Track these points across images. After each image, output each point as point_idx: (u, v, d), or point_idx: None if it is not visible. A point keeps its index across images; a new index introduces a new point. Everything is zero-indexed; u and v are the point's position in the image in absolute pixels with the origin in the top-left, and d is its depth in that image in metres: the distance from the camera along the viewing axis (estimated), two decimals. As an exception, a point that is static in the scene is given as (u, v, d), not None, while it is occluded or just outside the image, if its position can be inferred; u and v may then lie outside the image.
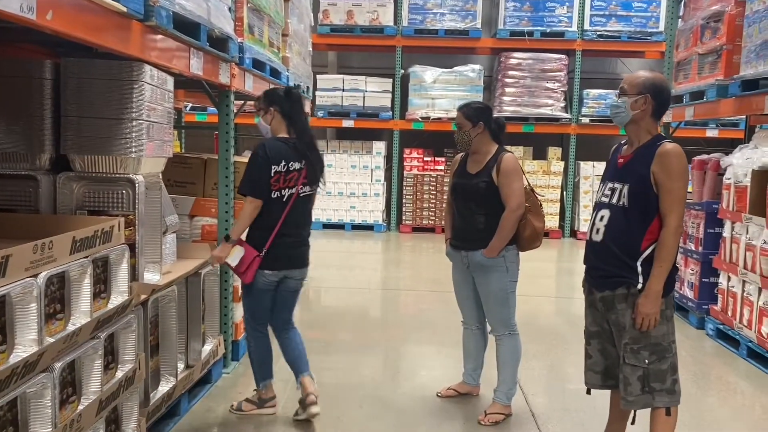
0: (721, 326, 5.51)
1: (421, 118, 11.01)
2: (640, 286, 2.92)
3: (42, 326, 2.17)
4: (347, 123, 11.08)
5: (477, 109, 3.88)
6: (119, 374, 2.74)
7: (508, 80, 10.92)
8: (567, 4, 10.85)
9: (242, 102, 5.26)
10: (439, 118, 10.92)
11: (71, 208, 3.00)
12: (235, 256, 3.57)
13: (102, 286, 2.62)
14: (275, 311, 3.77)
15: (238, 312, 4.48)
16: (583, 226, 10.82)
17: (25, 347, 2.13)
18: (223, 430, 3.69)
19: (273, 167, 3.58)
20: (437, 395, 4.16)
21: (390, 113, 11.11)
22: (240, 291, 3.86)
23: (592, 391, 3.24)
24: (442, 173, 11.17)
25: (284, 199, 3.63)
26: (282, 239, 3.63)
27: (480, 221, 3.78)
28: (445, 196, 10.53)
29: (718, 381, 4.82)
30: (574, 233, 11.18)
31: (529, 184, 3.86)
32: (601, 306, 3.05)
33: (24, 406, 2.14)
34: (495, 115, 3.96)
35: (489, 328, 3.99)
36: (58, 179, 3.00)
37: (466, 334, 4.10)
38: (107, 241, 2.62)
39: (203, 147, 9.00)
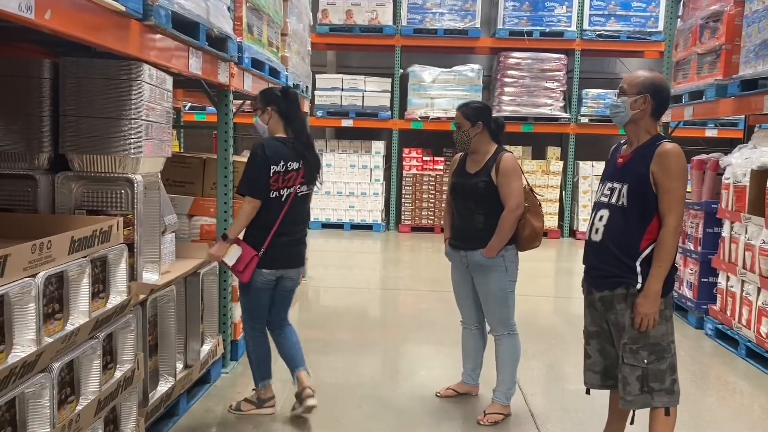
0: (720, 326, 5.51)
1: (420, 117, 11.01)
2: (639, 286, 2.92)
3: (40, 326, 2.17)
4: (346, 123, 11.08)
5: (476, 109, 3.88)
6: (118, 374, 2.74)
7: (507, 80, 10.92)
8: (566, 3, 10.85)
9: (241, 101, 5.25)
10: (438, 118, 10.92)
11: (70, 208, 3.00)
12: (232, 255, 3.57)
13: (100, 285, 2.61)
14: (272, 310, 3.78)
15: (237, 312, 4.48)
16: (582, 226, 10.83)
17: (23, 347, 2.12)
18: (222, 430, 3.68)
19: (272, 167, 3.58)
20: (436, 395, 4.16)
21: (389, 113, 11.11)
22: (238, 291, 3.86)
23: (592, 391, 3.24)
24: (441, 173, 11.17)
25: (283, 199, 3.64)
26: (280, 238, 3.63)
27: (479, 221, 3.78)
28: (444, 196, 10.53)
29: (717, 381, 4.82)
30: (573, 233, 11.18)
31: (528, 184, 3.85)
32: (600, 306, 3.05)
33: (22, 407, 2.13)
34: (494, 115, 3.95)
35: (488, 328, 3.99)
36: (56, 179, 3.00)
37: (465, 334, 4.10)
38: (106, 240, 2.61)
39: (202, 146, 9.00)
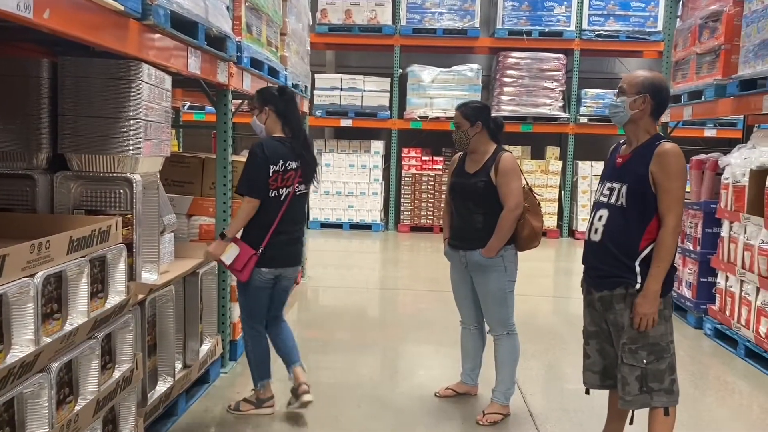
0: (719, 326, 5.52)
1: (420, 117, 11.01)
2: (638, 286, 2.92)
3: (39, 326, 2.16)
4: (345, 122, 11.08)
5: (475, 109, 3.88)
6: (116, 374, 2.74)
7: (506, 80, 10.92)
8: (565, 3, 10.85)
9: (240, 101, 5.25)
10: (437, 118, 10.92)
11: (68, 208, 2.99)
12: (230, 254, 3.58)
13: (99, 285, 2.61)
14: (269, 307, 3.79)
15: (236, 312, 4.48)
16: (581, 226, 10.83)
17: (21, 347, 2.12)
18: (221, 430, 3.68)
19: (271, 167, 3.59)
20: (435, 395, 4.16)
21: (388, 113, 11.10)
22: (237, 291, 3.86)
23: (591, 391, 3.24)
24: (441, 173, 11.17)
25: (281, 198, 3.65)
26: (279, 237, 3.65)
27: (478, 221, 3.78)
28: (443, 196, 10.54)
29: (716, 381, 4.82)
30: (572, 233, 11.18)
31: (527, 184, 3.85)
32: (600, 306, 3.05)
33: (21, 407, 2.13)
34: (493, 115, 3.96)
35: (487, 327, 3.99)
36: (55, 178, 2.99)
37: (464, 334, 4.10)
38: (104, 240, 2.61)
39: (201, 146, 9.00)
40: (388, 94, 11.14)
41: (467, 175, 3.83)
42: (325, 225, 11.17)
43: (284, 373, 3.88)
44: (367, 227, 11.17)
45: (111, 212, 2.98)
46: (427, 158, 11.32)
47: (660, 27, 10.63)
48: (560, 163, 11.16)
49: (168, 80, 3.34)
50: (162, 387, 3.43)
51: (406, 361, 5.08)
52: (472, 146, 3.84)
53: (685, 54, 6.48)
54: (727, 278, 5.48)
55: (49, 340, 2.22)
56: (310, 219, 10.92)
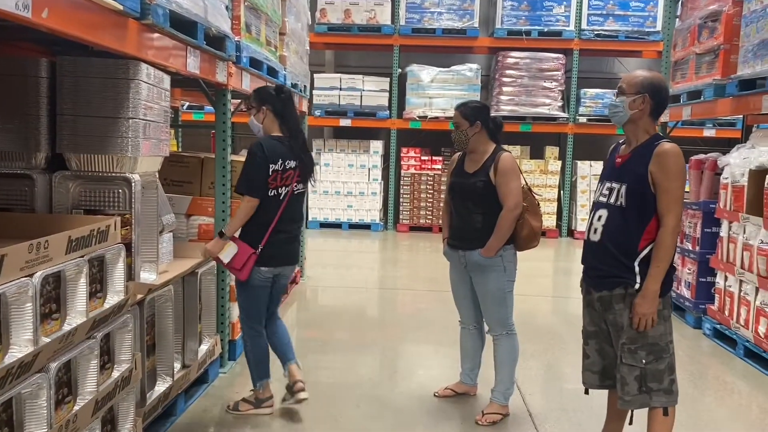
0: (718, 326, 5.52)
1: (419, 117, 11.01)
2: (637, 286, 2.92)
3: (37, 326, 2.16)
4: (344, 122, 11.07)
5: (474, 109, 3.88)
6: (115, 374, 2.73)
7: (505, 79, 10.92)
8: (564, 3, 10.84)
9: (239, 101, 5.25)
10: (437, 117, 10.92)
11: (67, 208, 2.99)
12: (228, 252, 3.58)
13: (98, 285, 2.61)
14: (267, 307, 3.80)
15: (235, 311, 4.47)
16: (581, 226, 10.83)
17: (20, 347, 2.11)
18: (220, 430, 3.68)
19: (271, 166, 3.60)
20: (434, 395, 4.16)
21: (387, 112, 11.10)
22: (236, 290, 3.86)
23: (590, 390, 3.23)
24: (440, 172, 11.17)
25: (280, 197, 3.66)
26: (277, 236, 3.66)
27: (477, 221, 3.78)
28: (442, 195, 10.55)
29: (716, 381, 4.83)
30: (571, 232, 11.19)
31: (526, 184, 3.85)
32: (599, 306, 3.05)
33: (19, 407, 2.12)
34: (492, 115, 3.95)
35: (486, 327, 3.98)
36: (53, 178, 2.99)
37: (463, 334, 4.10)
38: (103, 240, 2.61)
39: (200, 146, 9.00)
40: (387, 94, 11.14)
41: (466, 175, 3.83)
42: (325, 225, 11.16)
43: (282, 373, 3.88)
44: (366, 227, 11.16)
45: (110, 212, 2.98)
46: (426, 158, 11.32)
47: (659, 27, 10.63)
48: (559, 162, 11.16)
49: (167, 80, 3.33)
50: (161, 387, 3.43)
51: (405, 361, 5.08)
52: (472, 146, 3.84)
53: (685, 54, 6.48)
54: (726, 278, 5.48)
55: (47, 340, 2.21)
56: (310, 219, 10.92)
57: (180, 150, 8.64)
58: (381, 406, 4.04)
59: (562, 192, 11.19)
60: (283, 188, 3.67)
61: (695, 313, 5.93)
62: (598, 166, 10.75)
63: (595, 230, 3.03)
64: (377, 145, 11.24)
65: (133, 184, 2.98)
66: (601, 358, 3.13)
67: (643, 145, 2.97)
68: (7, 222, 2.71)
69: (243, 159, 3.73)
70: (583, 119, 11.01)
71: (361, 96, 11.09)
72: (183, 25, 3.31)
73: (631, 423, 3.08)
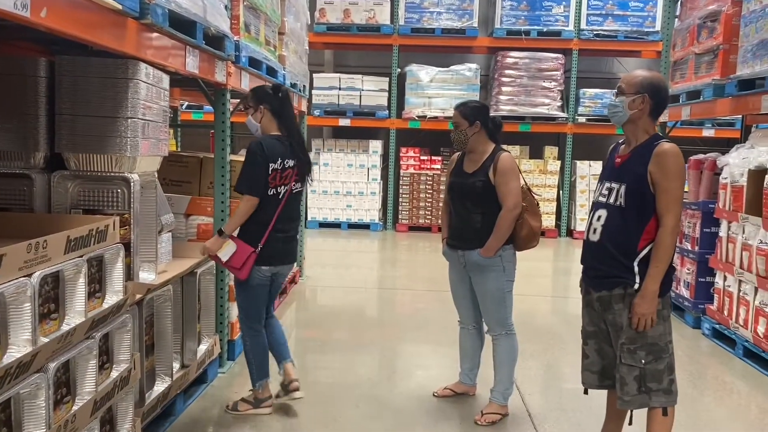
0: (717, 326, 5.52)
1: (418, 117, 11.01)
2: (636, 286, 2.92)
3: (36, 326, 2.15)
4: (344, 122, 11.07)
5: (474, 108, 3.88)
6: (114, 374, 2.73)
7: (504, 79, 10.92)
8: (563, 3, 10.85)
9: (238, 100, 5.24)
10: (436, 117, 10.92)
11: (66, 207, 2.99)
12: (226, 251, 3.58)
13: (97, 285, 2.60)
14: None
15: (234, 311, 4.47)
16: (580, 226, 10.83)
17: (18, 347, 2.11)
18: (219, 430, 3.67)
19: (270, 165, 3.61)
20: (434, 395, 4.16)
21: (386, 112, 11.10)
22: (235, 290, 3.86)
23: (589, 390, 3.23)
24: (439, 172, 11.17)
25: (280, 196, 3.68)
26: (276, 235, 3.68)
27: (477, 220, 3.77)
28: (441, 195, 10.54)
29: (715, 381, 4.83)
30: (570, 232, 11.19)
31: (526, 184, 3.85)
32: (598, 306, 3.05)
33: (18, 407, 2.12)
34: (491, 114, 3.95)
35: (486, 327, 3.98)
36: (52, 178, 2.98)
37: (462, 334, 4.10)
38: (102, 240, 2.60)
39: (199, 145, 9.00)
40: (386, 94, 11.14)
41: (466, 175, 3.83)
42: (324, 224, 11.16)
43: (277, 371, 3.88)
44: (365, 227, 11.16)
45: (108, 212, 2.97)
46: (425, 158, 11.32)
47: (658, 27, 10.63)
48: (558, 162, 11.17)
49: (166, 79, 3.33)
50: (160, 387, 3.42)
51: (404, 360, 5.08)
52: (471, 146, 3.83)
53: (684, 54, 6.48)
54: (725, 278, 5.48)
55: (46, 340, 2.21)
56: (309, 218, 10.91)
57: (179, 150, 8.64)
58: (380, 406, 4.04)
59: (561, 192, 11.19)
60: (282, 187, 3.68)
61: (694, 313, 5.93)
62: (597, 166, 10.75)
63: (595, 230, 3.03)
64: (376, 145, 11.24)
65: (131, 184, 2.97)
66: (601, 358, 3.13)
67: (642, 145, 2.97)
68: (6, 222, 2.71)
69: (242, 158, 3.73)
70: (582, 119, 11.01)
71: (360, 96, 11.09)
72: (182, 25, 3.31)
73: (630, 423, 3.08)
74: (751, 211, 5.11)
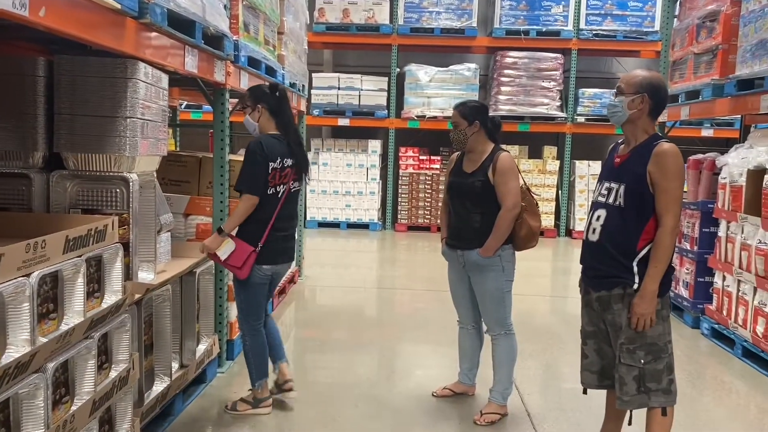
0: (716, 326, 5.52)
1: (417, 116, 11.01)
2: (636, 286, 2.92)
3: (34, 326, 2.15)
4: (343, 121, 11.07)
5: (473, 108, 3.88)
6: (113, 374, 2.72)
7: (503, 79, 10.92)
8: (563, 3, 10.84)
9: (237, 100, 5.24)
10: (435, 117, 10.92)
11: (64, 207, 2.98)
12: (225, 249, 3.58)
13: (95, 285, 2.60)
14: None
15: (233, 311, 4.47)
16: (579, 225, 10.84)
17: (17, 347, 2.11)
18: (218, 430, 3.67)
19: (270, 164, 3.61)
20: (433, 395, 4.16)
21: (385, 112, 11.10)
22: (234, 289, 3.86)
23: (589, 390, 3.23)
24: (438, 172, 11.17)
25: (279, 195, 3.69)
26: (276, 234, 3.69)
27: (476, 220, 3.77)
28: (440, 195, 10.54)
29: (714, 380, 4.83)
30: (569, 232, 11.19)
31: (525, 183, 3.85)
32: (598, 306, 3.05)
33: (16, 407, 2.11)
34: (491, 114, 3.95)
35: (485, 327, 3.98)
36: (51, 177, 2.98)
37: (461, 334, 4.09)
38: (101, 240, 2.60)
39: (198, 145, 8.98)
40: (385, 94, 11.14)
41: (465, 175, 3.83)
42: (323, 224, 11.15)
43: (272, 369, 3.89)
44: (364, 226, 11.16)
45: (107, 211, 2.97)
46: (424, 157, 11.32)
47: (657, 27, 10.63)
48: (557, 162, 11.17)
49: (165, 79, 3.33)
50: (159, 387, 3.42)
51: (403, 360, 5.08)
52: (470, 146, 3.83)
53: (683, 54, 6.48)
54: (724, 278, 5.49)
55: (44, 340, 2.21)
56: (308, 218, 10.91)
57: (178, 149, 8.63)
58: (379, 406, 4.04)
59: (560, 192, 11.19)
60: (282, 186, 3.69)
61: (693, 313, 5.93)
62: (596, 166, 10.76)
63: (594, 230, 3.03)
64: (375, 145, 11.23)
65: (130, 184, 2.97)
66: (600, 358, 3.13)
67: (641, 144, 2.97)
68: (4, 221, 2.70)
69: (241, 158, 3.73)
70: (581, 119, 11.02)
71: (360, 95, 11.09)
72: (181, 24, 3.30)
73: (630, 423, 3.08)
74: (750, 211, 5.12)
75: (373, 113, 11.05)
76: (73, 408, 2.40)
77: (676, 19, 6.99)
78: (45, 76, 2.98)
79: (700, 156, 6.39)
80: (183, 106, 10.16)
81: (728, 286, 5.40)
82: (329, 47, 12.08)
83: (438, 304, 6.16)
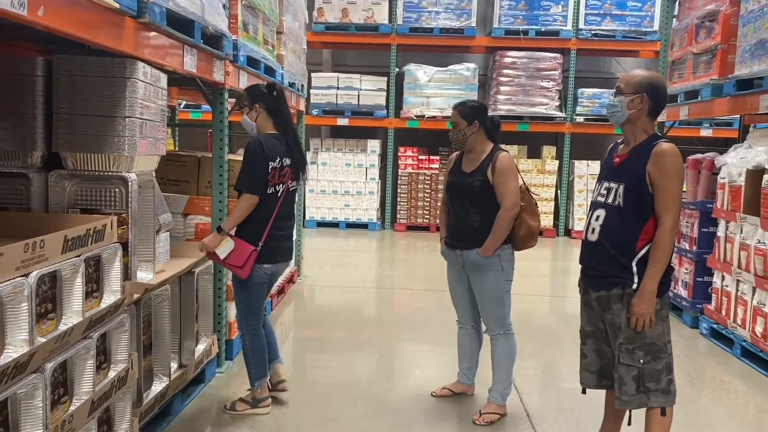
0: (715, 325, 5.52)
1: (416, 116, 11.00)
2: (635, 286, 2.91)
3: (33, 326, 2.15)
4: (342, 121, 11.07)
5: (472, 108, 3.87)
6: (112, 374, 2.72)
7: (502, 79, 10.92)
8: (562, 3, 10.85)
9: (236, 100, 5.24)
10: (434, 117, 10.92)
11: (63, 207, 2.98)
12: (224, 248, 3.58)
13: (94, 285, 2.59)
14: None
15: (232, 311, 4.46)
16: (578, 225, 10.84)
17: (16, 347, 2.10)
18: (217, 430, 3.67)
19: (270, 164, 3.62)
20: (432, 395, 4.15)
21: (385, 111, 11.10)
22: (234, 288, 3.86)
23: (588, 390, 3.23)
24: (437, 172, 11.17)
25: (278, 195, 3.69)
26: (276, 233, 3.70)
27: (475, 220, 3.77)
28: (439, 195, 10.53)
29: (713, 380, 4.83)
30: (568, 232, 11.20)
31: (524, 183, 3.85)
32: (597, 306, 3.05)
33: (15, 407, 2.11)
34: (490, 114, 3.95)
35: (484, 327, 3.98)
36: (50, 177, 2.97)
37: (461, 334, 4.09)
38: (99, 239, 2.59)
39: (197, 145, 8.97)
40: (384, 93, 11.14)
41: (464, 175, 3.82)
42: (322, 224, 11.15)
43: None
44: (363, 226, 11.16)
45: (106, 211, 2.97)
46: (423, 157, 11.32)
47: (656, 27, 10.63)
48: (557, 162, 11.17)
49: (164, 78, 3.32)
50: (157, 387, 3.42)
51: (402, 360, 5.07)
52: (469, 145, 3.83)
53: (682, 54, 6.48)
54: (723, 278, 5.49)
55: (43, 340, 2.20)
56: (307, 218, 10.90)
57: (177, 149, 8.63)
58: (378, 405, 4.04)
59: (559, 191, 11.19)
60: (281, 185, 3.71)
61: (692, 313, 5.93)
62: (595, 166, 10.76)
63: (593, 230, 3.03)
64: (374, 145, 11.23)
65: (129, 183, 2.97)
66: (599, 358, 3.13)
67: (641, 144, 2.97)
68: (3, 221, 2.70)
69: (240, 158, 3.74)
70: (580, 119, 11.02)
71: (359, 95, 11.09)
72: (180, 24, 3.30)
73: (629, 423, 3.08)
74: (749, 211, 5.12)
75: (372, 113, 11.05)
76: (72, 408, 2.40)
77: (675, 19, 6.99)
78: (44, 76, 2.97)
79: (699, 156, 6.39)
80: (182, 106, 10.15)
81: (727, 286, 5.40)
82: (328, 47, 12.07)
83: (437, 303, 6.16)
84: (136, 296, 3.01)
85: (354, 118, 11.06)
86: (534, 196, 3.89)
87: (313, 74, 10.59)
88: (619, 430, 3.24)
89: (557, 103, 11.00)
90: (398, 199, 11.30)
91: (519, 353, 4.00)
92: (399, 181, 11.27)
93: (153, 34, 3.08)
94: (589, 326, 3.14)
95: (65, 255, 2.35)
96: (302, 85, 6.84)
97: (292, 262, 6.65)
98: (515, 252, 3.83)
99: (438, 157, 11.31)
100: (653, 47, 10.76)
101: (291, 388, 3.99)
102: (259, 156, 3.59)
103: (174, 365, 3.66)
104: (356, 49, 12.01)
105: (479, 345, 4.10)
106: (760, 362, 4.88)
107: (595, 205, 3.07)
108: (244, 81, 4.58)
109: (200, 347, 4.03)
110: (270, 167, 3.62)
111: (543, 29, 10.88)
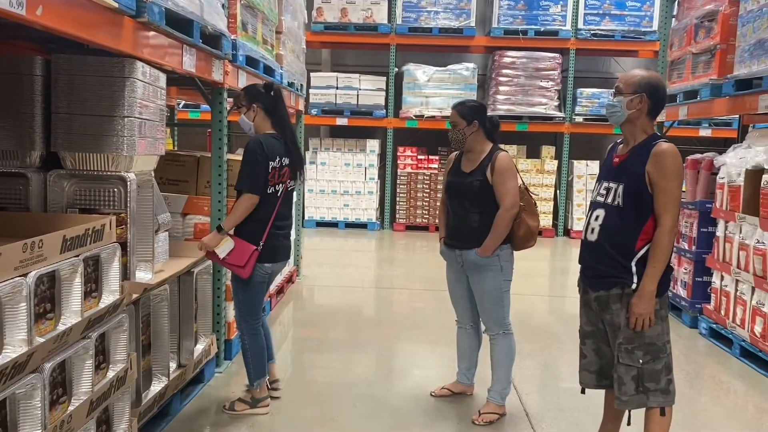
0: (714, 325, 5.52)
1: (415, 116, 11.00)
2: (634, 286, 2.91)
3: (32, 326, 2.14)
4: (341, 121, 11.06)
5: (472, 108, 3.87)
6: (110, 374, 2.72)
7: (502, 79, 10.92)
8: (561, 2, 10.85)
9: (234, 100, 5.24)
10: (433, 117, 10.92)
11: (62, 206, 2.97)
12: (224, 247, 3.58)
13: (93, 285, 2.59)
14: None
15: (231, 311, 4.46)
16: (577, 225, 10.84)
17: (14, 347, 2.10)
18: (216, 430, 3.66)
19: (270, 164, 3.62)
20: (431, 394, 4.15)
21: (384, 111, 11.09)
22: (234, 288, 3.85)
23: (587, 390, 3.23)
24: (436, 171, 11.16)
25: (278, 194, 3.70)
26: (276, 232, 3.71)
27: (474, 220, 3.77)
28: (439, 195, 10.53)
29: (712, 380, 4.83)
30: (567, 232, 11.20)
31: (523, 183, 3.85)
32: (596, 306, 3.05)
33: (13, 407, 2.11)
34: (489, 114, 3.95)
35: (483, 327, 3.98)
36: (48, 177, 2.97)
37: (460, 334, 4.09)
38: (98, 239, 2.59)
39: (196, 145, 8.97)
40: (383, 93, 11.13)
41: (463, 174, 3.82)
42: (321, 224, 11.15)
43: (279, 373, 3.88)
44: (362, 226, 11.15)
45: (105, 211, 2.96)
46: (422, 157, 11.31)
47: (655, 26, 10.64)
48: (556, 162, 11.17)
49: (162, 78, 3.32)
50: (156, 387, 3.41)
51: (401, 360, 5.07)
52: (469, 145, 3.83)
53: (681, 54, 6.48)
54: (722, 278, 5.49)
55: (42, 340, 2.20)
56: (306, 218, 10.90)
57: (176, 149, 8.62)
58: (378, 405, 4.03)
59: (558, 191, 11.20)
60: (280, 185, 3.72)
61: (691, 313, 5.93)
62: (594, 166, 10.77)
63: (593, 230, 3.03)
64: (374, 144, 11.23)
65: (128, 183, 2.96)
66: (598, 358, 3.12)
67: (640, 144, 2.96)
68: (2, 221, 2.69)
69: (239, 157, 3.74)
70: (579, 119, 11.02)
71: (358, 95, 11.08)
72: (179, 24, 3.30)
73: (629, 423, 3.08)
74: (749, 211, 5.12)
75: (372, 113, 11.05)
76: (71, 408, 2.40)
77: (674, 19, 6.99)
78: (42, 75, 2.97)
79: (698, 156, 6.39)
80: (181, 106, 10.15)
81: (726, 285, 5.40)
82: (327, 47, 12.07)
83: (436, 303, 6.16)
84: (134, 296, 3.00)
85: (353, 117, 11.06)
86: (533, 196, 3.89)
87: (312, 74, 10.59)
88: (618, 430, 3.24)
89: (556, 103, 11.01)
90: (397, 198, 11.30)
91: (518, 353, 4.00)
92: (398, 181, 11.27)
93: (152, 33, 3.07)
94: (588, 326, 3.14)
95: (64, 255, 2.35)
96: (301, 85, 6.84)
97: (291, 261, 6.64)
98: (514, 252, 3.83)
99: (437, 157, 11.31)
100: (652, 47, 10.76)
101: (290, 388, 4.00)
102: (259, 156, 3.59)
103: (173, 365, 3.66)
104: (355, 48, 12.01)
105: (478, 345, 4.10)
106: (759, 362, 4.88)
107: (594, 205, 3.07)
108: (243, 81, 4.58)
109: (199, 347, 4.03)
110: (270, 167, 3.62)
111: (542, 29, 10.88)
